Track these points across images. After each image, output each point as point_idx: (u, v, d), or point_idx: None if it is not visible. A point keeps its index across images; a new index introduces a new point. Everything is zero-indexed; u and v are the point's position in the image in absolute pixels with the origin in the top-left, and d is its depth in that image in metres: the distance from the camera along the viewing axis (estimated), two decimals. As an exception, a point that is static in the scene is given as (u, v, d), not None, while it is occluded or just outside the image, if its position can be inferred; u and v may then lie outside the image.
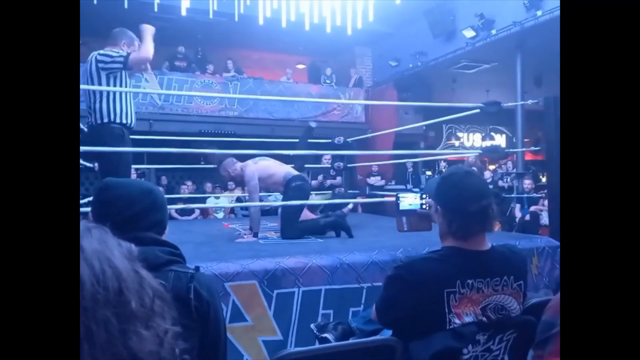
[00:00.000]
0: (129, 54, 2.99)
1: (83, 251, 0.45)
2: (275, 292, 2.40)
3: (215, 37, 9.93)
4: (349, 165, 6.92)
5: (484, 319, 1.33)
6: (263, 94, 9.28)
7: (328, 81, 10.55)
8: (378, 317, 1.48)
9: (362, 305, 2.52)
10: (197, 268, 1.20)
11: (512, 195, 6.74)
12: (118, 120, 3.02)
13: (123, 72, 3.08)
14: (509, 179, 8.09)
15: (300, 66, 11.73)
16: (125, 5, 6.45)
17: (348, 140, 6.37)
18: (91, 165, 5.01)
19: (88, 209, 2.76)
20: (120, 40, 3.15)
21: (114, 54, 3.00)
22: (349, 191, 6.87)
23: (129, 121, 3.09)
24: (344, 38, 7.84)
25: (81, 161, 4.75)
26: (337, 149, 5.90)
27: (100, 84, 2.98)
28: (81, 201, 4.40)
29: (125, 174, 2.96)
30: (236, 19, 6.87)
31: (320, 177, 6.55)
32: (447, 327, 1.29)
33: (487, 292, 1.34)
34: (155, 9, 6.51)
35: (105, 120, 2.99)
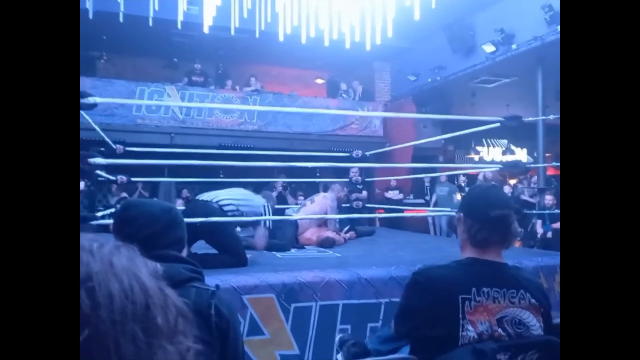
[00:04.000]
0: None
1: (113, 267, 0.46)
2: (293, 305, 2.40)
3: (237, 53, 10.12)
4: (367, 179, 6.90)
5: (500, 330, 1.32)
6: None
7: (344, 95, 10.62)
8: (395, 326, 1.49)
9: (380, 321, 2.50)
10: (217, 286, 1.23)
11: (533, 212, 6.61)
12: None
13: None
14: (530, 194, 7.97)
15: (319, 81, 11.84)
16: (150, 23, 6.63)
17: (366, 154, 6.38)
18: (114, 177, 5.14)
19: (107, 222, 2.85)
20: None
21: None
22: (366, 205, 6.84)
23: None
24: (363, 53, 7.89)
25: (103, 174, 4.87)
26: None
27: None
28: (100, 214, 4.50)
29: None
30: (257, 35, 6.99)
31: (345, 191, 6.51)
32: (460, 334, 1.29)
33: (503, 304, 1.34)
34: (179, 26, 6.68)
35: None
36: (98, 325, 0.42)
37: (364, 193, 6.98)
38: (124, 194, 8.17)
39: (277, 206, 4.93)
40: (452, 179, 9.77)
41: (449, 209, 5.87)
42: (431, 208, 8.53)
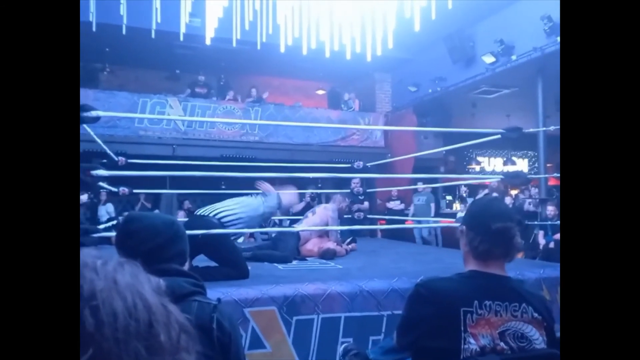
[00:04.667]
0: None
1: (117, 284, 0.47)
2: (295, 318, 2.39)
3: (238, 65, 10.19)
4: (368, 190, 6.90)
5: (502, 343, 1.31)
6: (284, 119, 9.43)
7: (343, 106, 10.66)
8: (397, 338, 1.49)
9: (382, 334, 2.49)
10: (219, 300, 1.23)
11: (535, 223, 6.59)
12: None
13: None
14: (532, 204, 7.95)
15: (320, 92, 11.89)
16: (152, 35, 6.69)
17: (367, 164, 6.39)
18: (116, 189, 5.15)
19: (109, 234, 2.86)
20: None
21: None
22: (368, 216, 6.83)
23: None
24: (363, 64, 7.95)
25: (105, 185, 4.88)
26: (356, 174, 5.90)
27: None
28: (102, 226, 4.50)
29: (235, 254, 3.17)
30: (258, 47, 7.06)
31: (347, 201, 6.50)
32: (462, 347, 1.29)
33: (505, 317, 1.34)
34: (181, 39, 6.74)
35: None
36: (102, 343, 0.42)
37: (366, 204, 6.98)
38: (110, 204, 8.23)
39: (299, 217, 4.98)
40: (434, 188, 9.70)
41: (452, 220, 5.86)
42: (426, 218, 8.50)
